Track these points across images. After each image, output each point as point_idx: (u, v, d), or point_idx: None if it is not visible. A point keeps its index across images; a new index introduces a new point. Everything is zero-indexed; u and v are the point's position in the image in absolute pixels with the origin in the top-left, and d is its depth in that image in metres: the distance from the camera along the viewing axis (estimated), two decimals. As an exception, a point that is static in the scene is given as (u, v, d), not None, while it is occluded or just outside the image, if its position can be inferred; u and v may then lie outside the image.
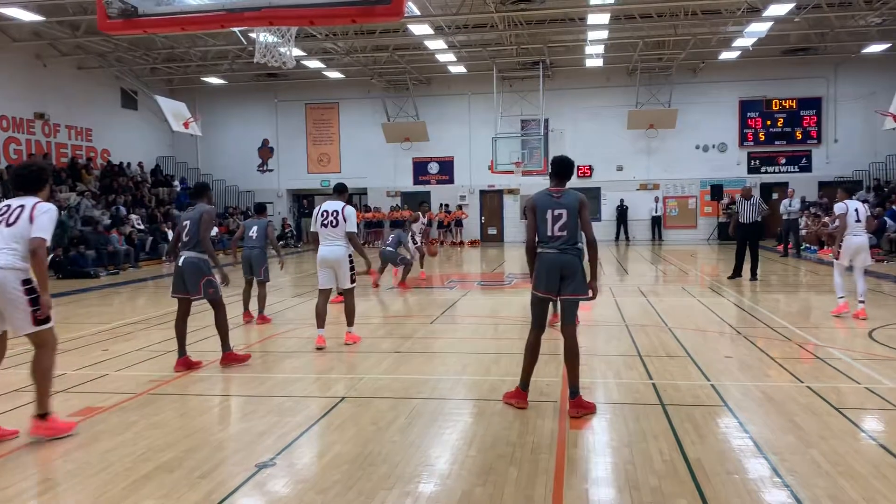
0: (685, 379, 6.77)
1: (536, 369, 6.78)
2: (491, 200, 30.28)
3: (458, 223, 29.38)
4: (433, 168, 30.31)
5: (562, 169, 5.92)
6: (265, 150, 31.43)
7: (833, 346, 8.21)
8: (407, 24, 21.17)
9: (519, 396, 5.94)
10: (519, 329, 10.05)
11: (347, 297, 8.76)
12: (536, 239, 5.81)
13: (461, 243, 29.03)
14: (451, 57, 25.72)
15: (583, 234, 5.86)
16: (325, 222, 8.45)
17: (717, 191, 28.11)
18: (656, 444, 4.98)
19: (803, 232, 21.65)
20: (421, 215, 16.42)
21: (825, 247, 20.16)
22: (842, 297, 10.37)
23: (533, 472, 4.53)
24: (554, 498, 4.16)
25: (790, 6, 19.66)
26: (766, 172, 27.98)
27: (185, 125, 24.48)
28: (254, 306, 10.67)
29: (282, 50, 7.80)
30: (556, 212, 5.71)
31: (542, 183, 29.58)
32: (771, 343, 8.43)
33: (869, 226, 10.62)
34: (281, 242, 29.17)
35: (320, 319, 8.62)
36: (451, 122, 29.48)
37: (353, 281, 8.62)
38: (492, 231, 30.30)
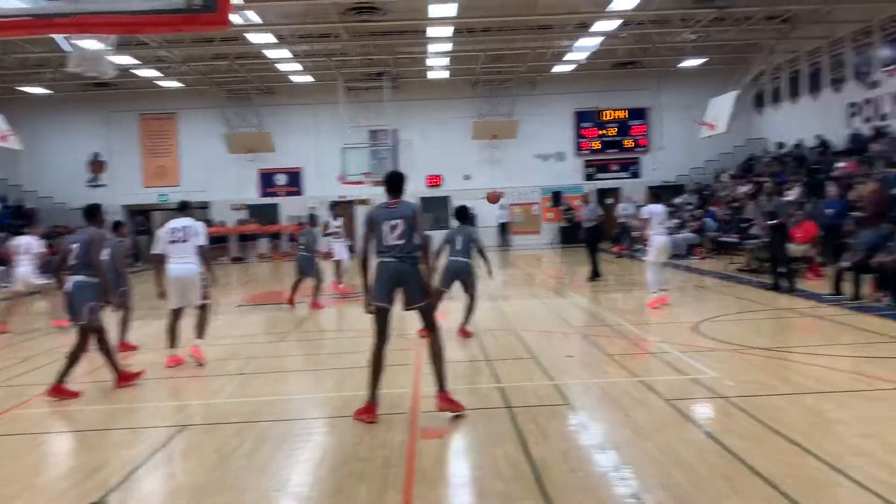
0: (530, 380, 7.00)
1: (388, 381, 6.75)
2: (343, 211, 29.84)
3: (309, 235, 28.87)
4: (280, 179, 29.63)
5: (394, 183, 6.13)
6: (96, 165, 29.39)
7: (663, 340, 8.79)
8: (246, 33, 20.59)
9: (368, 411, 5.88)
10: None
11: (201, 312, 8.44)
12: (377, 250, 5.96)
13: (312, 256, 28.52)
14: (295, 66, 25.28)
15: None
16: (175, 239, 8.20)
17: (557, 197, 29.42)
18: (503, 448, 5.09)
19: (636, 234, 23.09)
20: (331, 222, 15.33)
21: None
22: (654, 292, 11.44)
23: (383, 487, 4.49)
24: (404, 512, 4.15)
25: (617, 23, 20.99)
26: (601, 179, 29.61)
27: (3, 139, 22.40)
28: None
29: (102, 58, 7.30)
30: (393, 222, 5.89)
31: (392, 193, 29.50)
32: (609, 340, 8.90)
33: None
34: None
35: (172, 338, 8.32)
36: (298, 132, 28.96)
37: (205, 297, 8.35)
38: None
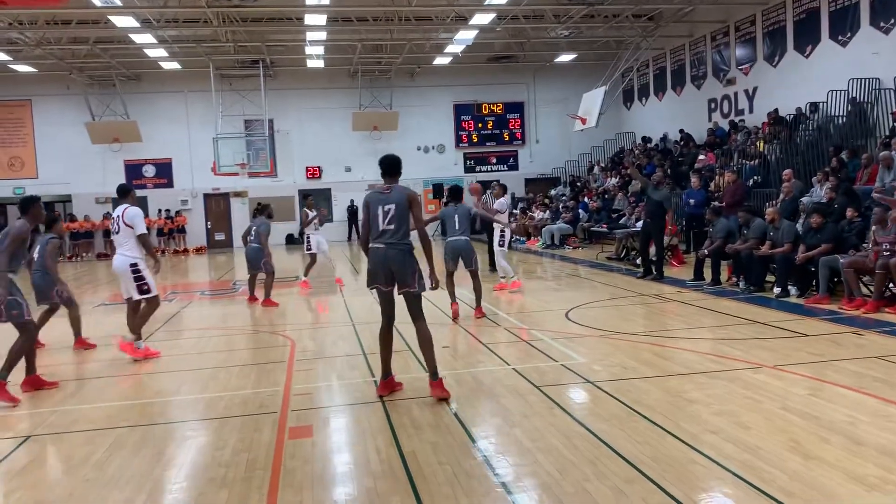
0: (405, 373, 6.90)
1: (260, 379, 6.58)
2: (217, 204, 28.91)
3: (181, 230, 27.66)
4: (149, 171, 28.17)
5: (388, 167, 6.13)
6: (-61, 154, 26.91)
7: (535, 327, 8.97)
8: (108, 16, 19.37)
9: (385, 387, 6.10)
10: (245, 339, 9.64)
11: (136, 306, 8.15)
12: (371, 236, 6.02)
13: (185, 251, 27.36)
14: (162, 52, 24.01)
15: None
16: (112, 230, 8.05)
17: (438, 190, 29.53)
18: (374, 443, 4.99)
19: (513, 225, 23.52)
20: (309, 212, 14.00)
21: (531, 237, 22.16)
22: (514, 276, 12.41)
23: (245, 491, 4.28)
24: (267, 516, 3.96)
25: (492, 16, 21.26)
26: (480, 171, 30.03)
27: None
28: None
29: None
30: (386, 207, 5.90)
31: (271, 185, 28.60)
32: (483, 330, 8.98)
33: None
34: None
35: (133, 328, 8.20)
36: (167, 121, 27.60)
37: (142, 291, 7.95)
38: (219, 236, 28.96)
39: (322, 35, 22.83)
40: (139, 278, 7.91)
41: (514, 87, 29.71)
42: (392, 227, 5.89)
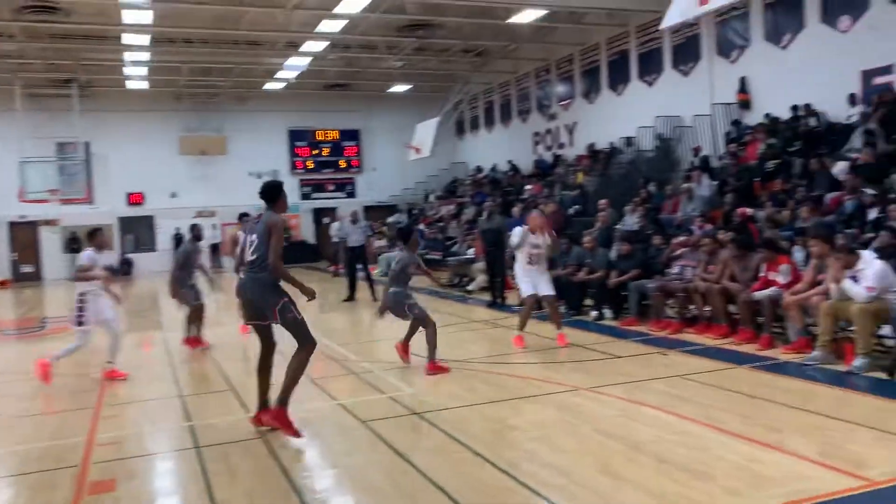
0: (224, 415, 6.57)
1: (58, 430, 6.06)
2: (24, 233, 26.44)
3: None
4: (-62, 198, 25.27)
5: (261, 193, 5.91)
6: None
7: (366, 359, 8.88)
8: None
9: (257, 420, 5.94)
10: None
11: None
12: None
13: (-14, 285, 24.75)
14: (-42, 68, 21.76)
15: None
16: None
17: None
18: (184, 494, 4.67)
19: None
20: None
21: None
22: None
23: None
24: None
25: (325, 44, 21.16)
26: (317, 199, 29.70)
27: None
28: None
29: None
30: (251, 237, 5.72)
31: (88, 213, 26.48)
32: (312, 363, 8.73)
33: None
34: None
35: None
36: (-37, 142, 24.93)
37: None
38: (27, 269, 26.47)
39: (145, 56, 21.68)
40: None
41: (350, 114, 29.69)
42: (254, 257, 5.70)
